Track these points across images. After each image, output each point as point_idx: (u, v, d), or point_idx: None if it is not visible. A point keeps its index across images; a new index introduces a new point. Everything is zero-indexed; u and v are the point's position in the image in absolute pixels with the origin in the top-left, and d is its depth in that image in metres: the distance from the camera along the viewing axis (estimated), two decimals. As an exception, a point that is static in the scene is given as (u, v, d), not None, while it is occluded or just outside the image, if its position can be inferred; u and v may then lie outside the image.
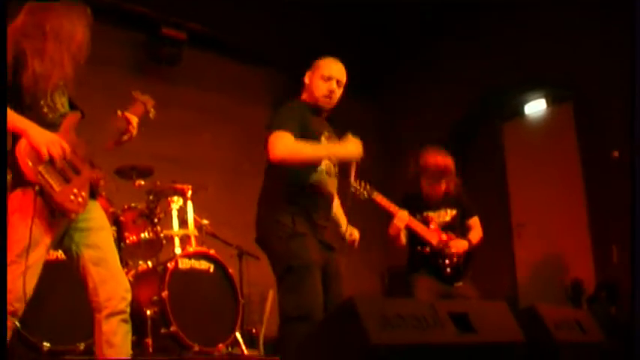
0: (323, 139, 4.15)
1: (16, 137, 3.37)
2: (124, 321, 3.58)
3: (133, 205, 5.85)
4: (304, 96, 4.32)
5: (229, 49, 8.68)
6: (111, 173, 5.76)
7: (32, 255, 3.35)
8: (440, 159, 5.63)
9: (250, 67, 9.00)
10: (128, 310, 3.61)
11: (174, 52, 8.02)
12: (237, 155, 8.52)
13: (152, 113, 4.03)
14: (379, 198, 5.29)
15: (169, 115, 7.77)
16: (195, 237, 6.05)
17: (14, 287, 3.32)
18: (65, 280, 4.58)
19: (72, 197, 3.40)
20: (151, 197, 5.90)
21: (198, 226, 6.20)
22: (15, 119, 3.34)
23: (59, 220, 3.45)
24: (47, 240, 3.44)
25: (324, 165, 4.15)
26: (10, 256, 3.35)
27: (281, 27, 8.39)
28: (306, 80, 4.33)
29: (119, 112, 3.89)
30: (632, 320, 3.79)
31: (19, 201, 3.36)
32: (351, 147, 4.11)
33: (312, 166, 4.10)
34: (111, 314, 3.54)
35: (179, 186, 6.10)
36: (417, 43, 9.35)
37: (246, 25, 8.23)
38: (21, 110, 3.39)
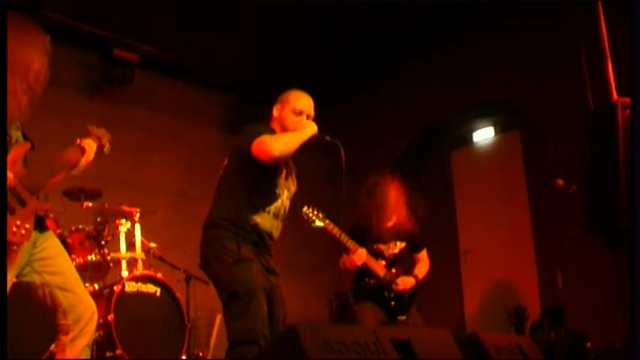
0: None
1: None
2: (88, 346, 3.61)
3: (80, 226, 5.82)
4: (274, 125, 4.36)
5: (180, 71, 8.68)
6: (59, 194, 5.72)
7: None
8: (393, 194, 5.68)
9: (201, 89, 9.01)
10: (94, 331, 3.66)
11: (126, 74, 7.99)
12: (186, 179, 8.52)
13: (107, 148, 4.05)
14: (334, 230, 5.26)
15: (119, 137, 7.70)
16: (143, 260, 6.02)
17: None
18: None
19: (14, 229, 3.38)
20: (98, 219, 5.88)
21: (146, 250, 6.17)
22: None
23: (15, 253, 3.43)
24: (9, 273, 3.44)
25: (274, 207, 4.21)
26: None
27: (233, 49, 8.41)
28: (275, 113, 4.38)
29: (77, 140, 3.90)
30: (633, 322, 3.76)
31: None
32: (310, 128, 4.20)
33: (260, 205, 4.15)
34: (77, 337, 3.58)
35: (127, 209, 6.09)
36: (365, 69, 9.40)
37: (198, 48, 8.25)
38: None
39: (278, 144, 4.02)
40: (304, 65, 8.68)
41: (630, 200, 4.06)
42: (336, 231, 5.26)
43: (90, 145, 3.91)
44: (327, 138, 4.30)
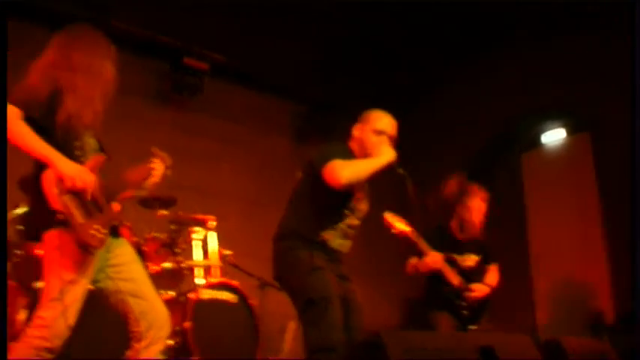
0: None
1: (43, 166, 3.43)
2: (162, 353, 3.65)
3: (155, 234, 5.88)
4: (353, 146, 4.37)
5: (250, 79, 8.73)
6: (134, 203, 5.82)
7: (71, 294, 3.42)
8: (478, 205, 5.63)
9: (271, 97, 9.03)
10: (167, 338, 3.71)
11: (196, 82, 8.07)
12: (257, 186, 8.56)
13: (169, 171, 4.09)
14: (413, 235, 5.19)
15: (191, 145, 7.85)
16: (218, 267, 6.08)
17: (54, 325, 3.40)
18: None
19: (92, 232, 3.45)
20: (173, 227, 5.95)
21: (221, 257, 6.22)
22: (43, 148, 3.40)
23: (91, 257, 3.51)
24: (84, 278, 3.51)
25: (343, 226, 4.22)
26: (52, 293, 3.42)
27: (303, 57, 8.44)
28: (355, 132, 4.39)
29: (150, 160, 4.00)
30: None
31: (55, 240, 3.43)
32: (387, 155, 4.17)
33: (329, 223, 4.18)
34: (151, 344, 3.62)
35: (201, 216, 6.14)
36: (432, 74, 9.36)
37: (267, 56, 8.29)
38: (52, 146, 3.44)
39: (347, 172, 4.02)
40: (372, 73, 8.69)
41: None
42: (415, 236, 5.21)
43: (158, 166, 4.00)
44: (400, 171, 4.27)
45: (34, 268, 5.06)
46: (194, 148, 7.77)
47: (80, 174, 3.43)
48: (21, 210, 5.55)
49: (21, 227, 5.52)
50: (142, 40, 7.67)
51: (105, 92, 3.70)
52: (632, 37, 4.24)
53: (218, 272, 6.07)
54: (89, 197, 3.48)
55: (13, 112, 3.38)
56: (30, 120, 3.41)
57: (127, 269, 3.72)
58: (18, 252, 5.45)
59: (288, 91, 9.08)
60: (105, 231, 3.52)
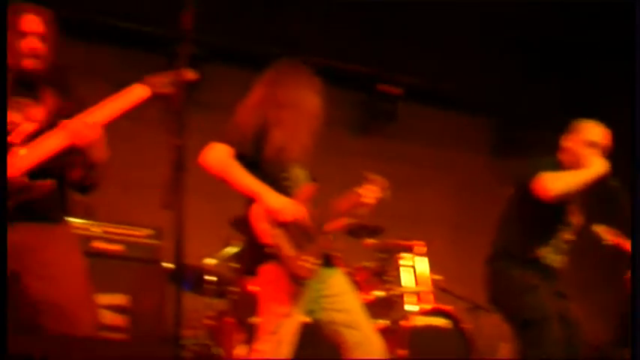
0: None
1: (253, 201, 3.48)
2: None
3: (364, 264, 5.87)
4: (562, 157, 4.23)
5: (443, 100, 8.63)
6: (343, 233, 5.83)
7: (286, 327, 3.44)
8: None
9: (466, 116, 8.87)
10: None
11: (391, 108, 8.08)
12: (458, 207, 8.42)
13: (386, 194, 4.06)
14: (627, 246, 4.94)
15: (390, 171, 7.80)
16: (429, 293, 5.98)
17: (271, 359, 3.42)
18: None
19: (303, 263, 3.44)
20: (381, 255, 5.92)
21: (431, 282, 6.12)
22: (251, 182, 3.47)
23: (303, 289, 3.51)
24: (297, 310, 3.51)
25: (557, 241, 4.09)
26: (267, 327, 3.45)
27: (494, 72, 8.26)
28: (565, 143, 4.28)
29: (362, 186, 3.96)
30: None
31: (268, 275, 3.47)
32: (598, 166, 4.05)
33: (542, 239, 4.07)
34: None
35: (408, 243, 6.08)
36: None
37: (458, 74, 8.17)
38: (262, 180, 3.50)
39: (558, 184, 3.94)
40: (568, 82, 8.38)
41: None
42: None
43: (369, 193, 3.96)
44: (614, 182, 4.07)
45: (250, 305, 5.17)
46: (393, 174, 7.65)
47: (288, 206, 3.46)
48: (233, 248, 5.73)
49: (235, 265, 5.69)
50: (335, 71, 7.75)
51: (311, 125, 3.73)
52: (632, 37, 4.17)
53: (430, 298, 5.97)
54: (299, 229, 3.50)
55: (224, 151, 3.48)
56: (240, 157, 3.51)
57: (340, 300, 3.68)
58: (233, 289, 5.60)
59: (482, 107, 8.87)
60: (316, 261, 3.51)
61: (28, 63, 3.20)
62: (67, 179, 3.28)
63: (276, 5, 7.20)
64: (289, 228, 3.46)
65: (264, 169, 3.56)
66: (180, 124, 2.49)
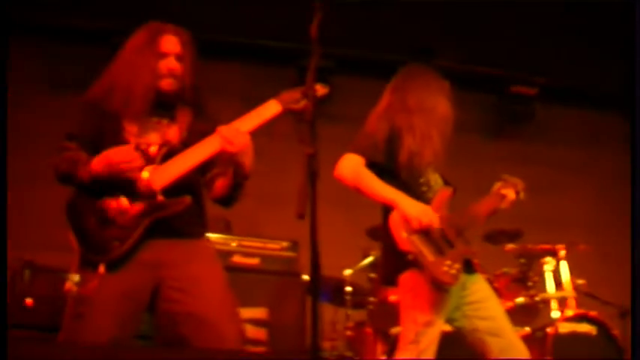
0: None
1: (390, 210, 3.47)
2: None
3: (505, 270, 5.72)
4: None
5: (581, 98, 8.36)
6: (480, 239, 5.73)
7: (427, 336, 3.40)
8: None
9: (605, 114, 8.55)
10: None
11: (526, 109, 7.91)
12: (599, 208, 8.12)
13: (522, 195, 4.01)
14: None
15: (528, 174, 7.62)
16: (573, 298, 5.77)
17: None
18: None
19: (445, 268, 3.38)
20: (522, 260, 5.75)
21: (575, 287, 5.91)
22: (386, 190, 3.46)
23: (446, 296, 3.46)
24: (439, 318, 3.46)
25: None
26: (408, 336, 3.42)
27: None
28: None
29: (496, 186, 3.94)
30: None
31: (408, 283, 3.43)
32: None
33: None
34: None
35: (550, 246, 5.89)
36: None
37: (592, 69, 7.90)
38: (397, 186, 3.49)
39: None
40: None
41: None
42: None
43: (507, 194, 3.91)
44: None
45: (390, 314, 5.14)
46: (531, 176, 7.48)
47: (424, 212, 3.42)
48: (371, 258, 5.71)
49: (374, 275, 5.67)
50: (467, 75, 7.66)
51: (442, 129, 3.69)
52: (632, 36, 3.99)
53: (573, 303, 5.75)
54: (437, 234, 3.45)
55: (356, 161, 3.50)
56: (373, 165, 3.50)
57: (484, 306, 3.61)
58: (372, 299, 5.58)
59: (621, 104, 8.51)
60: (458, 266, 3.45)
61: (166, 83, 3.26)
62: (211, 192, 3.33)
63: (404, 12, 7.15)
64: (428, 234, 3.42)
65: (399, 175, 3.54)
66: (312, 134, 2.49)
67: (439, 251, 3.42)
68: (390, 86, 3.82)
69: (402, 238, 3.38)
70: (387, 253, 3.60)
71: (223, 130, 3.13)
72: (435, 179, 3.68)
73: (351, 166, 3.50)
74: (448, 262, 3.41)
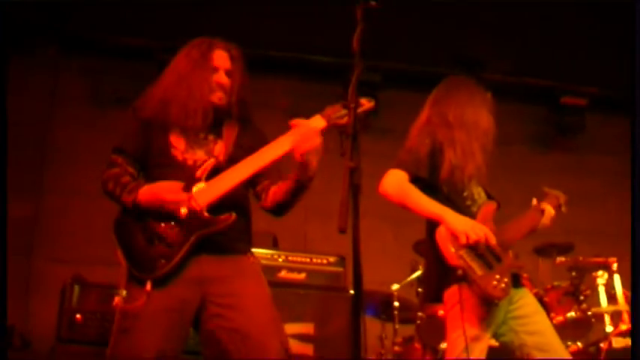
0: None
1: (436, 225, 3.44)
2: None
3: (555, 283, 5.61)
4: None
5: (631, 106, 8.22)
6: (529, 252, 5.66)
7: (475, 351, 3.36)
8: None
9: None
10: None
11: (576, 120, 7.83)
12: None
13: (564, 208, 3.95)
14: None
15: (579, 186, 7.55)
16: (627, 312, 5.65)
17: None
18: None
19: (494, 283, 3.34)
20: (573, 274, 5.65)
21: (627, 300, 5.79)
22: (432, 205, 3.44)
23: (495, 310, 3.41)
24: (486, 332, 3.43)
25: None
26: (456, 351, 3.38)
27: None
28: None
29: (534, 201, 3.90)
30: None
31: (455, 297, 3.40)
32: None
33: None
34: None
35: (603, 259, 5.78)
36: None
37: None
38: (440, 201, 3.47)
39: None
40: None
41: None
42: None
43: (545, 209, 3.85)
44: None
45: (437, 329, 5.10)
46: (582, 188, 7.46)
47: (472, 227, 3.39)
48: (419, 273, 5.68)
49: (420, 290, 5.63)
50: (516, 86, 7.62)
51: (484, 142, 3.66)
52: (632, 36, 3.88)
53: (627, 317, 5.63)
54: (485, 248, 3.41)
55: (400, 176, 3.49)
56: (417, 180, 3.49)
57: (532, 321, 3.55)
58: (421, 314, 5.54)
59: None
60: (507, 280, 3.41)
61: (216, 97, 3.27)
62: (264, 202, 3.32)
63: (451, 24, 7.13)
64: (476, 248, 3.39)
65: (443, 190, 3.53)
66: (354, 147, 2.48)
67: (487, 266, 3.39)
68: (431, 99, 3.82)
69: (451, 253, 3.35)
70: (432, 269, 3.59)
71: (298, 126, 3.12)
72: (478, 193, 3.65)
73: (396, 182, 3.49)
74: (497, 277, 3.37)
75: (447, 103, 3.71)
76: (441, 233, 3.40)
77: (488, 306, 3.38)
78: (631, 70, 4.06)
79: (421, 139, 3.59)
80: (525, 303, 3.60)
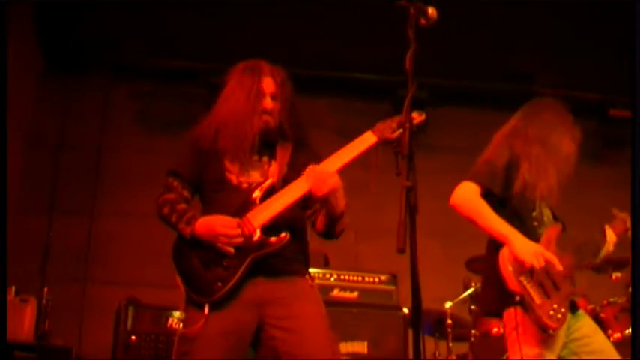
0: None
1: (497, 243, 3.43)
2: None
3: (612, 299, 5.54)
4: None
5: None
6: (586, 269, 5.59)
7: None
8: None
9: None
10: None
11: (626, 133, 7.69)
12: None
13: (629, 233, 3.88)
14: None
15: (622, 201, 7.44)
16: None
17: None
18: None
19: (551, 312, 3.34)
20: (630, 290, 5.57)
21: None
22: (500, 226, 3.42)
23: (552, 336, 3.38)
24: (548, 354, 3.40)
25: None
26: None
27: None
28: None
29: (605, 227, 3.86)
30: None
31: (512, 321, 3.38)
32: None
33: None
34: None
35: (659, 275, 5.69)
36: None
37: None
38: (508, 217, 3.46)
39: None
40: None
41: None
42: None
43: (609, 234, 3.84)
44: None
45: (492, 347, 5.06)
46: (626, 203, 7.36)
47: (535, 253, 3.37)
48: (471, 290, 5.64)
49: (475, 307, 5.58)
50: (564, 100, 7.53)
51: (561, 168, 3.64)
52: (632, 36, 4.01)
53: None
54: (544, 274, 3.40)
55: (472, 190, 3.50)
56: (489, 195, 3.49)
57: (590, 341, 3.53)
58: (474, 331, 5.50)
59: None
60: (564, 310, 3.40)
61: (263, 122, 3.31)
62: (314, 227, 3.37)
63: (497, 39, 7.09)
64: (536, 274, 3.37)
65: (512, 207, 3.53)
66: (410, 167, 2.48)
67: (545, 293, 3.38)
68: (517, 114, 3.82)
69: (511, 277, 3.35)
70: (491, 285, 3.56)
71: (311, 172, 3.16)
72: (547, 215, 3.65)
73: (467, 196, 3.49)
74: (555, 306, 3.36)
75: (533, 120, 3.72)
76: (503, 255, 3.39)
77: (545, 333, 3.36)
78: (631, 70, 4.02)
79: (499, 151, 3.61)
80: (582, 324, 3.58)
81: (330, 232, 3.32)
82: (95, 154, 7.39)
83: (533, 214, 3.56)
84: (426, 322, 5.78)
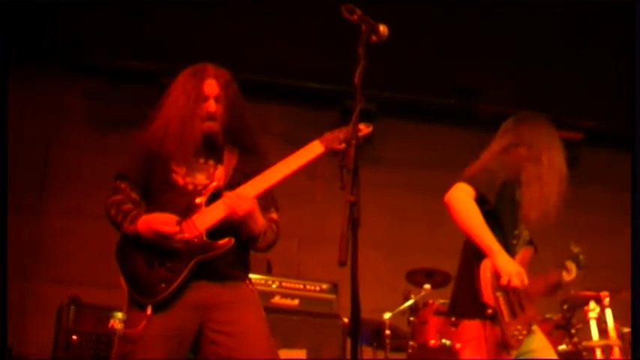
0: None
1: (479, 254, 3.45)
2: None
3: (547, 316, 5.65)
4: None
5: (627, 141, 8.27)
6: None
7: None
8: None
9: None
10: None
11: (572, 154, 7.84)
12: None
13: (582, 264, 3.95)
14: None
15: (575, 220, 7.53)
16: (619, 347, 5.65)
17: None
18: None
19: (515, 332, 3.40)
20: (565, 307, 5.66)
21: (620, 335, 5.79)
22: (489, 239, 3.42)
23: (507, 356, 3.43)
24: None
25: None
26: None
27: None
28: None
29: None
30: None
31: (473, 332, 3.43)
32: None
33: None
34: None
35: (595, 293, 5.79)
36: None
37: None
38: (492, 228, 3.47)
39: None
40: None
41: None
42: None
43: (572, 267, 3.87)
44: None
45: (429, 358, 5.10)
46: (578, 222, 7.47)
47: (518, 274, 3.40)
48: (411, 302, 5.68)
49: (413, 318, 5.60)
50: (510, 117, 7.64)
51: (560, 189, 3.67)
52: (632, 37, 4.05)
53: (618, 352, 5.63)
54: (516, 295, 3.44)
55: (467, 192, 3.50)
56: (481, 201, 3.49)
57: (535, 355, 3.57)
58: (412, 343, 5.54)
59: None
60: (525, 332, 3.46)
61: (207, 126, 3.33)
62: (244, 241, 3.36)
63: (445, 54, 7.16)
64: (509, 294, 3.42)
65: (499, 220, 3.54)
66: (354, 181, 2.50)
67: (513, 313, 3.43)
68: (512, 129, 3.83)
69: (488, 290, 3.38)
70: (462, 292, 3.59)
71: (227, 197, 3.18)
72: (524, 235, 3.68)
73: (464, 199, 3.47)
74: (519, 327, 3.42)
75: (538, 142, 3.72)
76: (486, 267, 3.41)
77: (501, 351, 3.40)
78: (631, 70, 4.09)
79: (504, 165, 3.61)
80: (533, 339, 3.60)
81: (253, 246, 3.35)
82: (45, 150, 7.29)
83: (515, 232, 3.59)
84: (364, 332, 5.82)
